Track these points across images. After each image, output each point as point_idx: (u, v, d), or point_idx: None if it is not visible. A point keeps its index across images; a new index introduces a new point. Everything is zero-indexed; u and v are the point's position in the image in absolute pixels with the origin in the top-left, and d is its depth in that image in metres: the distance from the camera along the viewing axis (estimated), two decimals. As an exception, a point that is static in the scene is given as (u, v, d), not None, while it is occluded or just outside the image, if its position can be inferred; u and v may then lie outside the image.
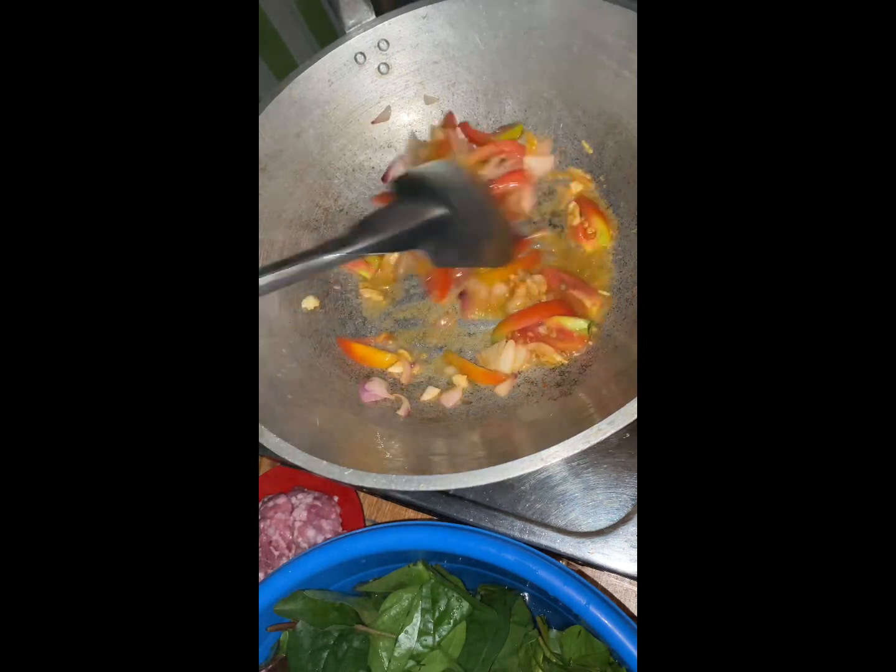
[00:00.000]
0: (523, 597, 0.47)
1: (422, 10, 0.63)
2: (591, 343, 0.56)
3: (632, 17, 0.53)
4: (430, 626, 0.41)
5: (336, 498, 0.61)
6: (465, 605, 0.42)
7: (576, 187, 0.63)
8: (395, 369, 0.59)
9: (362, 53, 0.65)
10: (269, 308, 0.60)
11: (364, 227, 0.47)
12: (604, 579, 0.55)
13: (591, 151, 0.63)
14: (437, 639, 0.41)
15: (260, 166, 0.62)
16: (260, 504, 0.60)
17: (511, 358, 0.56)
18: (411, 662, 0.41)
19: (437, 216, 0.50)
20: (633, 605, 0.54)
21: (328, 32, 0.88)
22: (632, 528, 0.51)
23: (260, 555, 0.57)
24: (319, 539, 0.58)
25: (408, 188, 0.52)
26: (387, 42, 0.65)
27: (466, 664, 0.41)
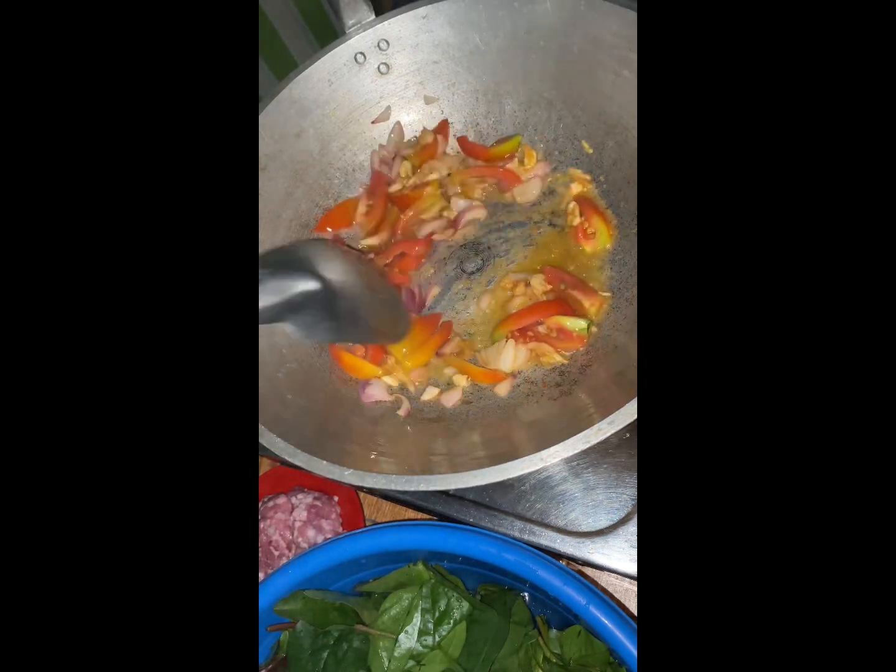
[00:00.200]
0: (523, 597, 0.47)
1: (422, 10, 0.63)
2: (589, 343, 0.56)
3: (632, 17, 0.53)
4: (430, 626, 0.41)
5: (336, 498, 0.61)
6: (465, 605, 0.42)
7: (576, 188, 0.63)
8: (389, 379, 0.59)
9: (362, 53, 0.65)
10: (269, 308, 0.59)
11: None
12: (604, 579, 0.55)
13: (591, 151, 0.63)
14: (437, 639, 0.41)
15: (260, 166, 0.62)
16: (260, 504, 0.60)
17: (511, 357, 0.56)
18: (411, 662, 0.41)
19: (307, 290, 0.44)
20: (633, 605, 0.54)
21: (328, 32, 0.88)
22: (632, 528, 0.51)
23: (260, 555, 0.57)
24: (319, 539, 0.58)
25: (276, 262, 0.46)
26: (387, 42, 0.65)
27: (466, 664, 0.41)
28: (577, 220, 0.61)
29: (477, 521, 0.53)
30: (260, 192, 0.61)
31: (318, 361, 0.60)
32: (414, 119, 0.70)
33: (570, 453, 0.41)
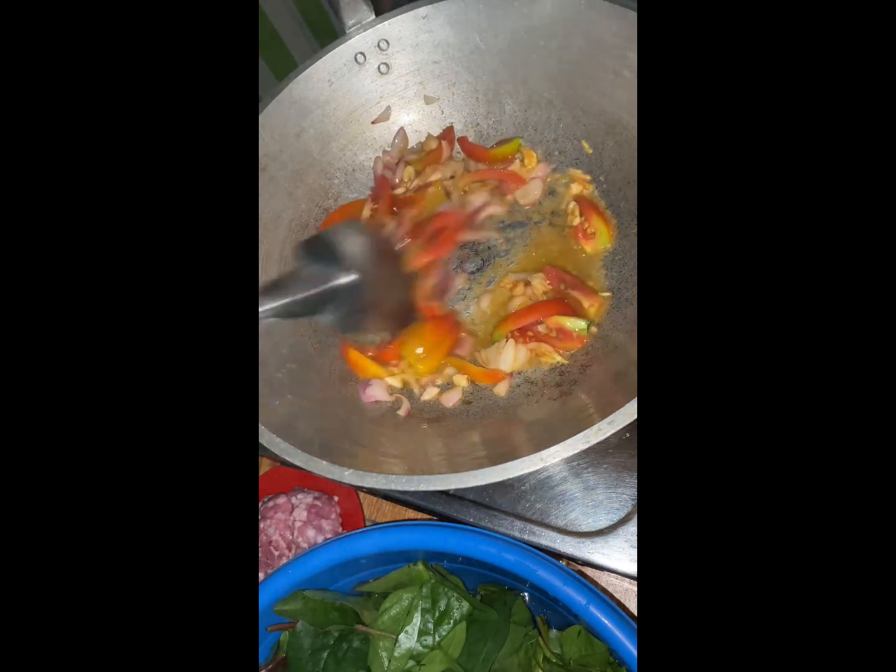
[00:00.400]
0: (523, 597, 0.47)
1: (422, 10, 0.63)
2: (589, 343, 0.56)
3: (632, 17, 0.53)
4: (430, 626, 0.41)
5: (336, 498, 0.61)
6: (465, 605, 0.42)
7: (576, 188, 0.63)
8: (392, 381, 0.59)
9: (362, 53, 0.65)
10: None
11: (269, 288, 0.44)
12: (604, 579, 0.55)
13: (590, 151, 0.63)
14: (437, 639, 0.41)
15: (260, 166, 0.62)
16: (260, 504, 0.60)
17: (511, 357, 0.56)
18: (411, 662, 0.41)
19: (345, 283, 0.47)
20: (633, 605, 0.54)
21: (328, 32, 0.88)
22: (632, 528, 0.51)
23: (260, 555, 0.57)
24: (319, 539, 0.58)
25: (314, 252, 0.49)
26: (387, 42, 0.65)
27: (466, 664, 0.41)
28: (577, 220, 0.61)
29: (477, 521, 0.53)
30: (260, 192, 0.61)
31: (318, 361, 0.60)
32: (414, 119, 0.70)
33: (570, 453, 0.40)
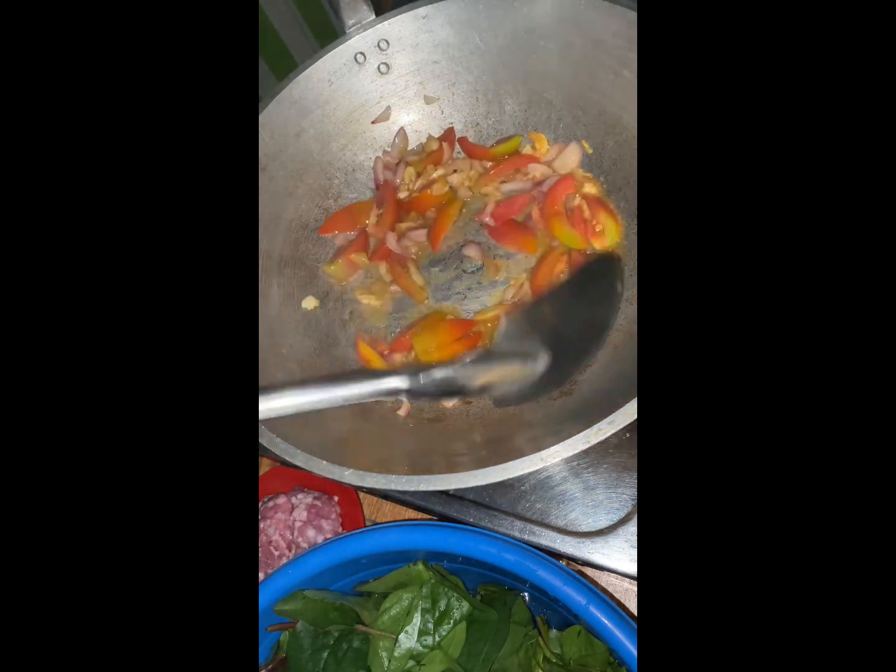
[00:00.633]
0: (523, 597, 0.47)
1: (422, 10, 0.63)
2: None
3: (632, 17, 0.53)
4: (430, 626, 0.41)
5: (336, 498, 0.61)
6: (465, 605, 0.42)
7: (588, 188, 0.62)
8: None
9: (362, 53, 0.65)
10: (269, 308, 0.60)
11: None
12: (604, 579, 0.55)
13: (591, 151, 0.63)
14: (437, 639, 0.41)
15: (260, 166, 0.62)
16: (260, 504, 0.60)
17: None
18: (411, 662, 0.41)
19: (532, 374, 0.46)
20: (633, 605, 0.54)
21: (328, 32, 0.88)
22: (632, 528, 0.51)
23: (260, 555, 0.57)
24: (319, 539, 0.58)
25: (519, 324, 0.48)
26: (387, 42, 0.65)
27: (466, 664, 0.41)
28: (586, 214, 0.60)
29: (477, 521, 0.53)
30: (260, 192, 0.61)
31: (318, 362, 0.60)
32: (414, 119, 0.70)
33: (570, 453, 0.40)
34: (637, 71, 0.53)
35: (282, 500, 0.59)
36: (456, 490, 0.55)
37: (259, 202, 0.60)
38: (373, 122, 0.69)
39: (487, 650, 0.42)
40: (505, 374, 0.45)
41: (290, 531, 0.58)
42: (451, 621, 0.42)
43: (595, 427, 0.40)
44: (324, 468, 0.45)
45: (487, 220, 0.64)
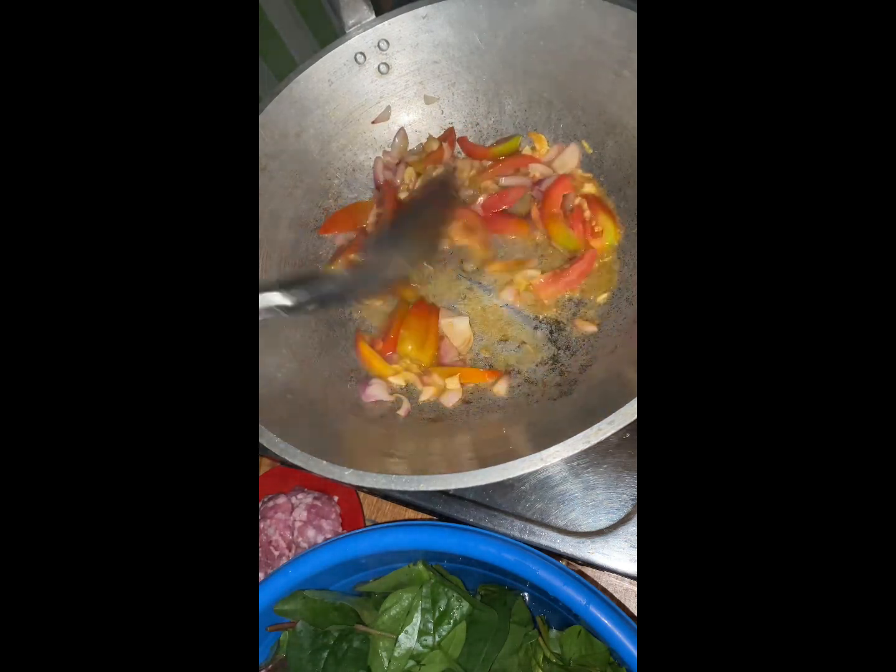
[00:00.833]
0: (523, 597, 0.47)
1: (422, 10, 0.63)
2: (589, 343, 0.56)
3: (632, 17, 0.53)
4: (430, 626, 0.41)
5: (336, 498, 0.61)
6: (465, 605, 0.42)
7: (588, 187, 0.62)
8: (395, 380, 0.59)
9: (362, 53, 0.65)
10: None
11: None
12: (604, 579, 0.55)
13: (591, 151, 0.63)
14: (437, 639, 0.41)
15: (260, 166, 0.62)
16: (260, 504, 0.60)
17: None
18: (411, 662, 0.41)
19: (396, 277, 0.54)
20: (633, 605, 0.54)
21: (328, 32, 0.88)
22: (632, 528, 0.51)
23: (260, 555, 0.57)
24: (319, 539, 0.58)
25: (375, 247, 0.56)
26: (387, 42, 0.65)
27: (466, 664, 0.41)
28: (586, 214, 0.60)
29: (477, 521, 0.53)
30: (260, 192, 0.61)
31: (317, 361, 0.60)
32: (414, 119, 0.70)
33: (570, 453, 0.40)
34: (637, 71, 0.53)
35: (282, 500, 0.59)
36: (456, 490, 0.55)
37: (259, 202, 0.61)
38: (373, 122, 0.69)
39: (487, 650, 0.42)
40: (370, 279, 0.53)
41: (290, 531, 0.58)
42: (451, 621, 0.42)
43: (595, 427, 0.40)
44: (324, 468, 0.45)
45: (477, 209, 0.64)
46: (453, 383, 0.57)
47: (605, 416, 0.41)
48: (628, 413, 0.40)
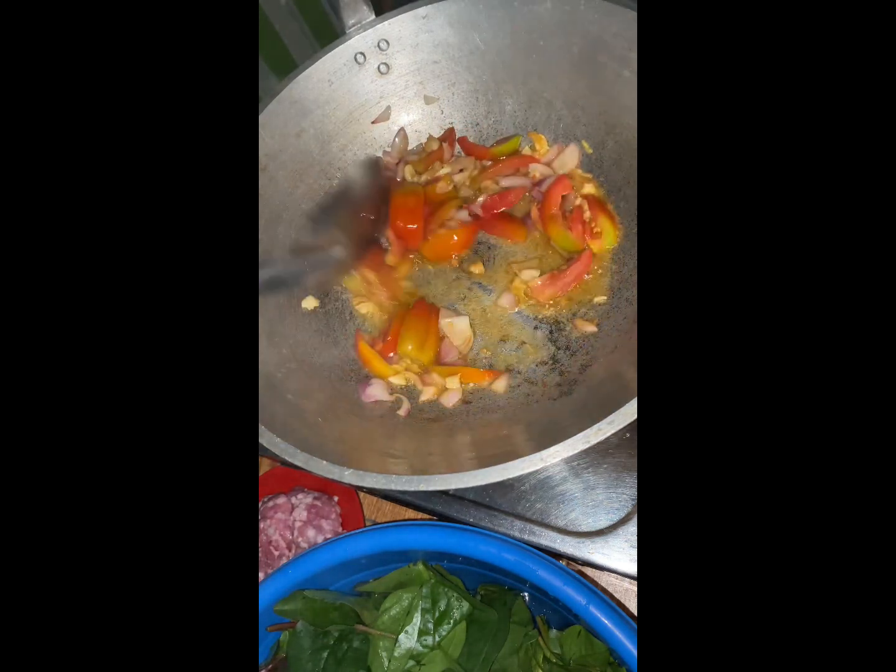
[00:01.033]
0: (523, 597, 0.47)
1: (422, 10, 0.63)
2: (589, 342, 0.56)
3: (632, 17, 0.53)
4: (430, 626, 0.41)
5: (336, 498, 0.61)
6: (465, 605, 0.42)
7: (587, 188, 0.62)
8: (395, 380, 0.59)
9: (362, 53, 0.65)
10: (269, 308, 0.60)
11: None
12: (604, 579, 0.55)
13: (591, 151, 0.63)
14: (437, 639, 0.41)
15: (260, 166, 0.62)
16: (260, 504, 0.60)
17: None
18: (411, 662, 0.41)
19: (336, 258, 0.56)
20: (633, 605, 0.54)
21: (328, 32, 0.88)
22: (632, 528, 0.51)
23: (260, 555, 0.57)
24: (319, 539, 0.58)
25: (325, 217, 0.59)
26: (387, 42, 0.65)
27: (466, 664, 0.41)
28: (586, 215, 0.60)
29: (477, 521, 0.53)
30: (260, 191, 0.61)
31: (317, 361, 0.60)
32: (414, 119, 0.70)
33: (570, 453, 0.40)
34: (637, 71, 0.53)
35: (282, 500, 0.59)
36: (456, 490, 0.55)
37: (259, 202, 0.61)
38: (373, 122, 0.69)
39: (487, 650, 0.42)
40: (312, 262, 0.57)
41: (290, 531, 0.58)
42: (451, 621, 0.42)
43: (595, 427, 0.40)
44: (324, 468, 0.45)
45: (476, 210, 0.63)
46: (453, 383, 0.57)
47: (605, 416, 0.41)
48: (628, 413, 0.40)
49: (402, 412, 0.57)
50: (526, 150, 0.66)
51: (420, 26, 0.64)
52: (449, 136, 0.68)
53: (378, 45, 0.65)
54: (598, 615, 0.38)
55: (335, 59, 0.64)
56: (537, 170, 0.65)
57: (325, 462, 0.45)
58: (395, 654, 0.41)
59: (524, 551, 0.41)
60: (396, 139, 0.69)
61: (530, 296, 0.60)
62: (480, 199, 0.64)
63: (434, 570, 0.44)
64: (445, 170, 0.66)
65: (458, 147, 0.69)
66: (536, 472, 0.49)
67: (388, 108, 0.69)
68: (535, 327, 0.59)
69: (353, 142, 0.69)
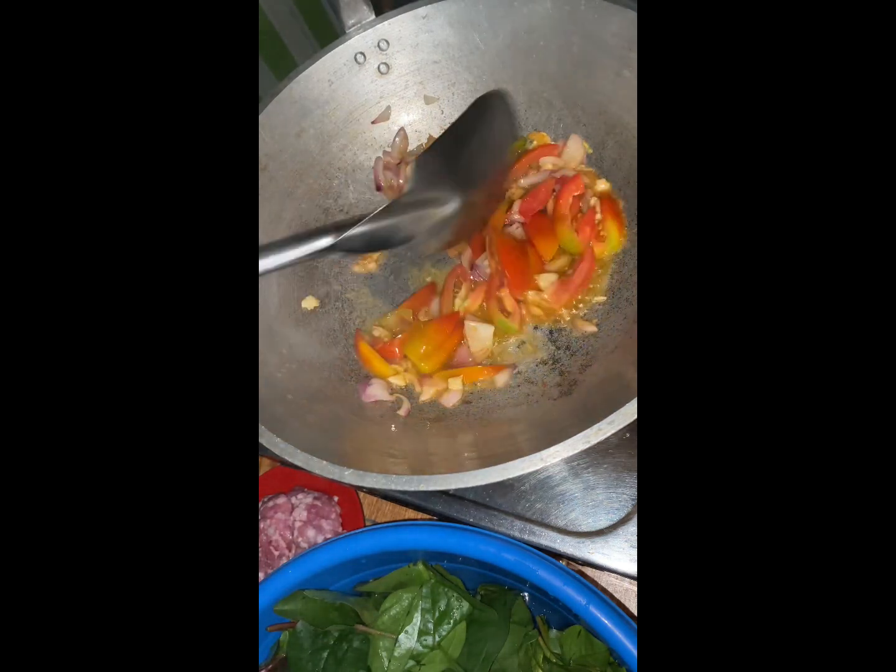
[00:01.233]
0: (523, 597, 0.47)
1: (422, 10, 0.63)
2: (590, 343, 0.56)
3: (632, 17, 0.53)
4: (430, 626, 0.41)
5: (336, 498, 0.61)
6: (465, 605, 0.42)
7: (601, 185, 0.62)
8: (395, 380, 0.59)
9: (362, 53, 0.65)
10: (269, 307, 0.60)
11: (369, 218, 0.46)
12: (604, 579, 0.55)
13: (591, 151, 0.63)
14: (437, 639, 0.41)
15: (260, 166, 0.62)
16: (260, 504, 0.60)
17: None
18: (411, 662, 0.41)
19: (448, 214, 0.48)
20: (633, 605, 0.54)
21: (328, 32, 0.88)
22: (632, 528, 0.51)
23: (260, 555, 0.57)
24: (319, 539, 0.58)
25: (427, 172, 0.49)
26: (387, 42, 0.65)
27: (466, 664, 0.41)
28: (596, 217, 0.60)
29: (477, 521, 0.53)
30: (260, 192, 0.61)
31: (317, 362, 0.60)
32: (414, 119, 0.70)
33: (570, 453, 0.40)
34: (637, 71, 0.53)
35: (282, 500, 0.59)
36: (456, 490, 0.55)
37: (259, 202, 0.61)
38: (373, 122, 0.69)
39: (487, 650, 0.42)
40: (422, 220, 0.48)
41: (290, 531, 0.58)
42: (451, 621, 0.42)
43: (595, 427, 0.40)
44: (324, 468, 0.45)
45: (517, 217, 0.62)
46: (455, 384, 0.57)
47: (605, 416, 0.41)
48: (628, 413, 0.40)
49: (402, 412, 0.57)
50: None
51: (420, 26, 0.64)
52: None
53: (378, 45, 0.65)
54: (598, 615, 0.38)
55: (335, 59, 0.64)
56: (549, 162, 0.64)
57: (325, 462, 0.45)
58: (395, 654, 0.41)
59: (524, 551, 0.41)
60: (396, 139, 0.69)
61: (548, 305, 0.59)
62: (515, 205, 0.63)
63: (434, 570, 0.44)
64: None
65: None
66: (536, 472, 0.49)
67: (388, 108, 0.69)
68: (535, 327, 0.59)
69: (353, 142, 0.69)
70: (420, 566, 0.43)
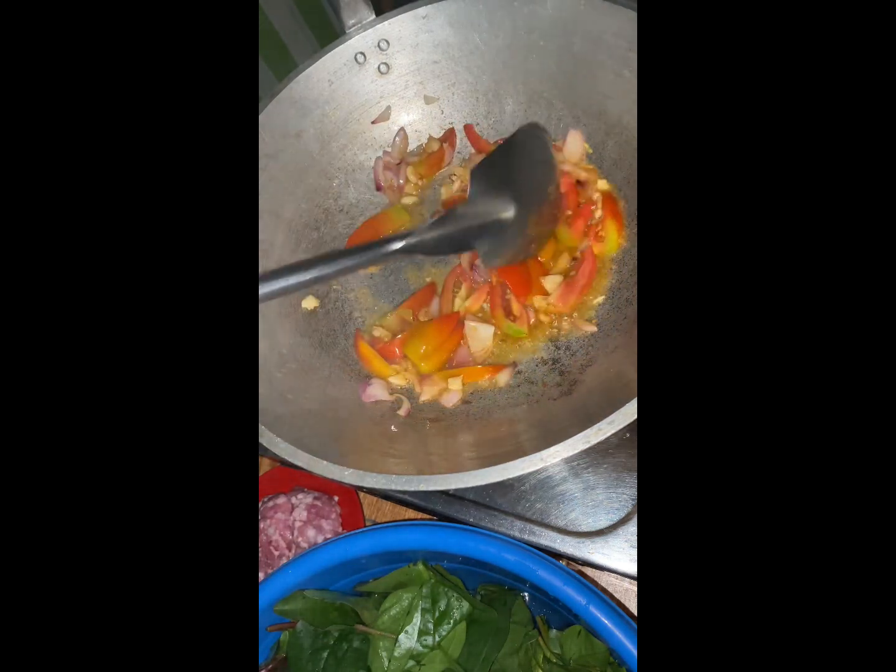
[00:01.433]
0: (523, 597, 0.47)
1: (422, 10, 0.63)
2: (589, 343, 0.56)
3: (632, 17, 0.53)
4: (430, 626, 0.41)
5: (336, 498, 0.61)
6: (465, 605, 0.42)
7: (603, 185, 0.62)
8: (395, 380, 0.59)
9: (362, 53, 0.65)
10: (269, 308, 0.60)
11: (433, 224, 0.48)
12: (604, 579, 0.55)
13: (591, 151, 0.63)
14: (437, 639, 0.41)
15: (260, 166, 0.62)
16: (260, 504, 0.60)
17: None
18: (411, 662, 0.41)
19: (506, 218, 0.50)
20: (633, 605, 0.54)
21: (328, 32, 0.88)
22: (632, 528, 0.51)
23: (260, 555, 0.57)
24: (319, 539, 0.58)
25: (486, 177, 0.51)
26: (387, 42, 0.65)
27: (466, 664, 0.41)
28: (597, 215, 0.60)
29: (477, 521, 0.53)
30: (260, 192, 0.61)
31: (317, 362, 0.60)
32: (414, 119, 0.70)
33: (570, 453, 0.40)
34: (637, 71, 0.53)
35: (282, 500, 0.59)
36: (456, 490, 0.55)
37: (259, 202, 0.60)
38: (373, 122, 0.69)
39: (487, 650, 0.42)
40: (485, 226, 0.50)
41: (290, 531, 0.58)
42: (451, 621, 0.42)
43: (595, 427, 0.40)
44: (324, 468, 0.45)
45: None
46: (455, 384, 0.57)
47: (605, 416, 0.41)
48: (628, 413, 0.40)
49: (402, 412, 0.57)
50: None
51: (420, 26, 0.64)
52: (449, 136, 0.68)
53: (378, 45, 0.65)
54: (598, 615, 0.38)
55: (335, 59, 0.64)
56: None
57: (325, 462, 0.45)
58: (395, 654, 0.41)
59: (524, 551, 0.41)
60: (396, 139, 0.69)
61: (555, 310, 0.59)
62: None
63: (434, 570, 0.44)
64: (457, 170, 0.66)
65: (457, 148, 0.69)
66: (536, 472, 0.49)
67: (388, 108, 0.69)
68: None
69: (353, 142, 0.69)
70: (420, 566, 0.43)
